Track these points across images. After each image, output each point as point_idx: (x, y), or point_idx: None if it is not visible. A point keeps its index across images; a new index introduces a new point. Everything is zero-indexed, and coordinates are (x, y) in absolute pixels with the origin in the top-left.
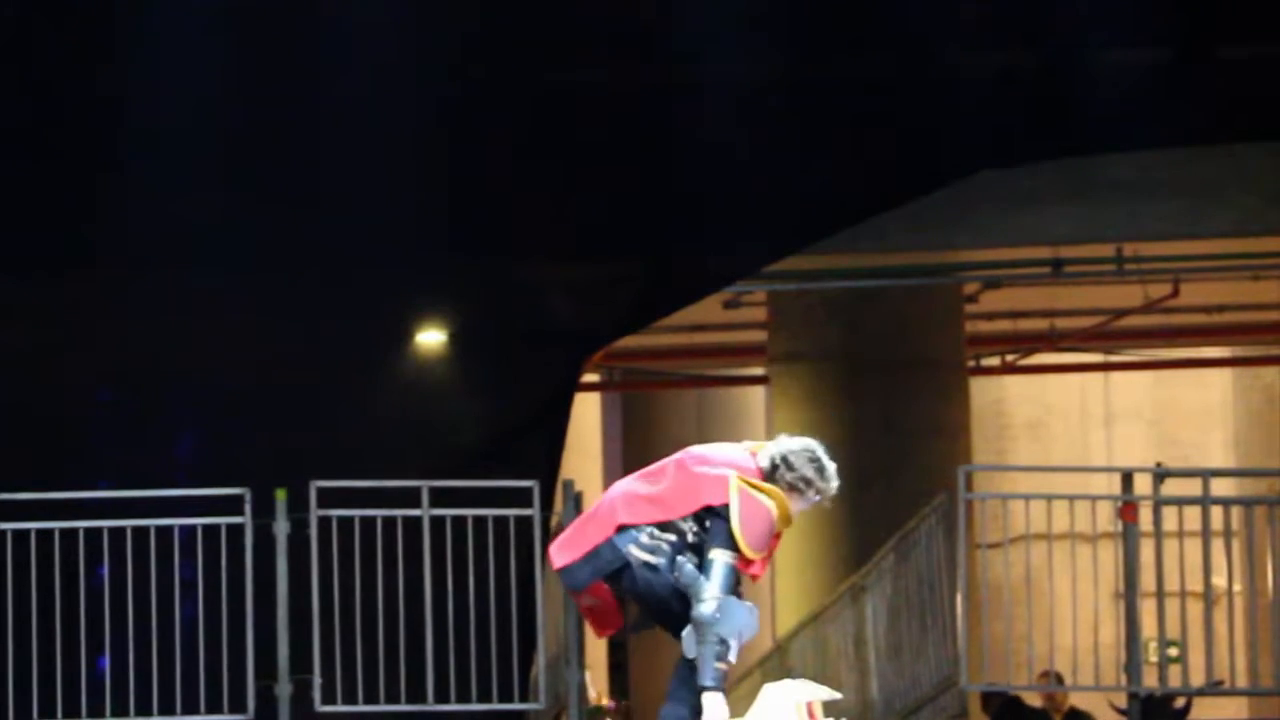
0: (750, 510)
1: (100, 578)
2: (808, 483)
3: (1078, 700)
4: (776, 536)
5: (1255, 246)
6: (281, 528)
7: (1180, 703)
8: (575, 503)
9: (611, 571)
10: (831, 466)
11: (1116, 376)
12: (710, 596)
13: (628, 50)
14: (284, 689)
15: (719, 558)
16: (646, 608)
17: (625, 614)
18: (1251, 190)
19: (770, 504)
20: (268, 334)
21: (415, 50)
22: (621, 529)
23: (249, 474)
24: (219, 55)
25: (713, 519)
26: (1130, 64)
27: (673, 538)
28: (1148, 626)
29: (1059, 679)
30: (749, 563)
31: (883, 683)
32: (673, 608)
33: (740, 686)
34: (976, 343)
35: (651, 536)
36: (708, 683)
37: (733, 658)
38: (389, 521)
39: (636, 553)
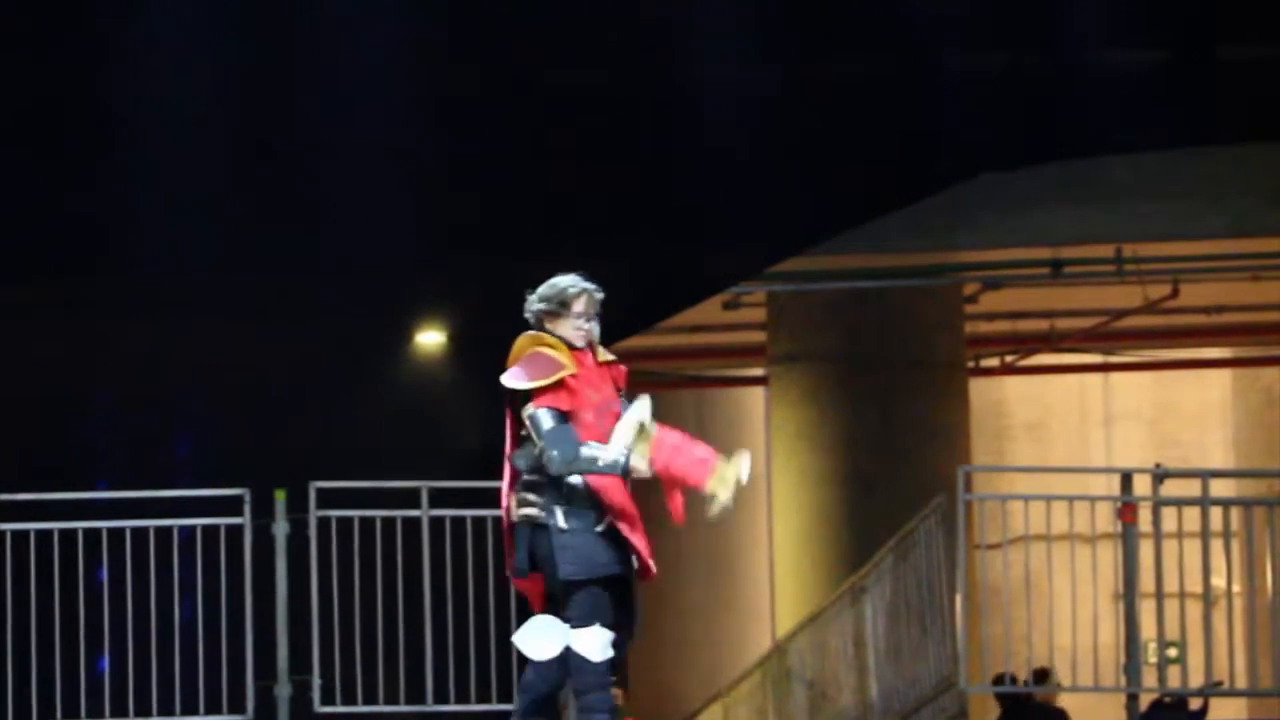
0: (521, 362)
1: (100, 578)
2: (546, 299)
3: (1076, 699)
4: (584, 367)
5: (1254, 247)
6: (281, 528)
7: (1197, 704)
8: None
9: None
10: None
11: (1116, 377)
12: (547, 446)
13: (628, 50)
14: (283, 689)
15: (529, 413)
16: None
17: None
18: (1251, 191)
19: (537, 349)
20: (267, 334)
21: (415, 50)
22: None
23: (248, 475)
24: (219, 56)
25: (520, 407)
26: (1130, 65)
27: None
28: (1147, 627)
29: (1045, 675)
30: (559, 391)
31: (882, 683)
32: (550, 566)
33: (740, 687)
34: (976, 343)
35: (523, 489)
36: (615, 458)
37: (601, 460)
38: (388, 522)
39: (524, 511)
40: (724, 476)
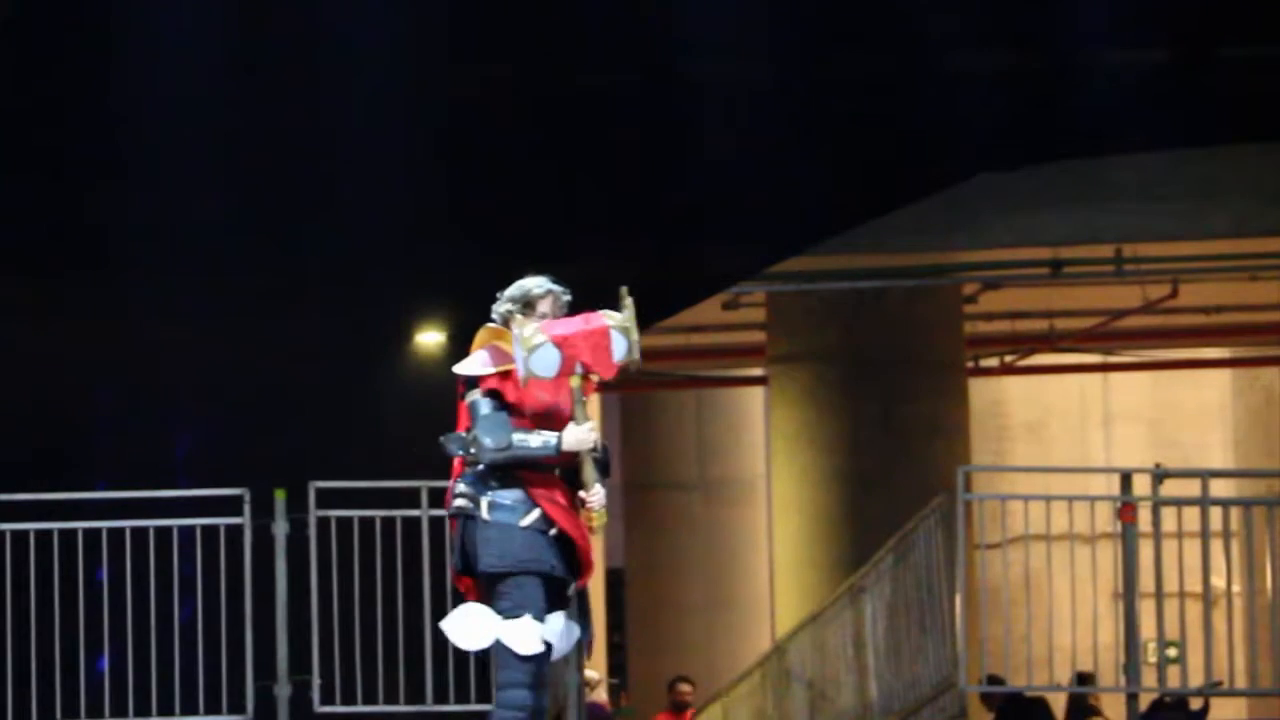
0: (477, 353)
1: (99, 578)
2: (513, 300)
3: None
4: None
5: (1254, 247)
6: (280, 528)
7: (1197, 704)
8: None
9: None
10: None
11: (1115, 377)
12: (480, 433)
13: (628, 50)
14: (283, 689)
15: (471, 398)
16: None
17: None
18: (1250, 191)
19: (495, 342)
20: (267, 334)
21: (416, 51)
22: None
23: (248, 474)
24: (220, 57)
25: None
26: (1129, 65)
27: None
28: (1147, 627)
29: (1081, 679)
30: (503, 384)
31: (882, 684)
32: (479, 556)
33: (740, 687)
34: (976, 343)
35: (461, 481)
36: (548, 439)
37: (532, 442)
38: (388, 522)
39: (456, 503)
40: (620, 316)
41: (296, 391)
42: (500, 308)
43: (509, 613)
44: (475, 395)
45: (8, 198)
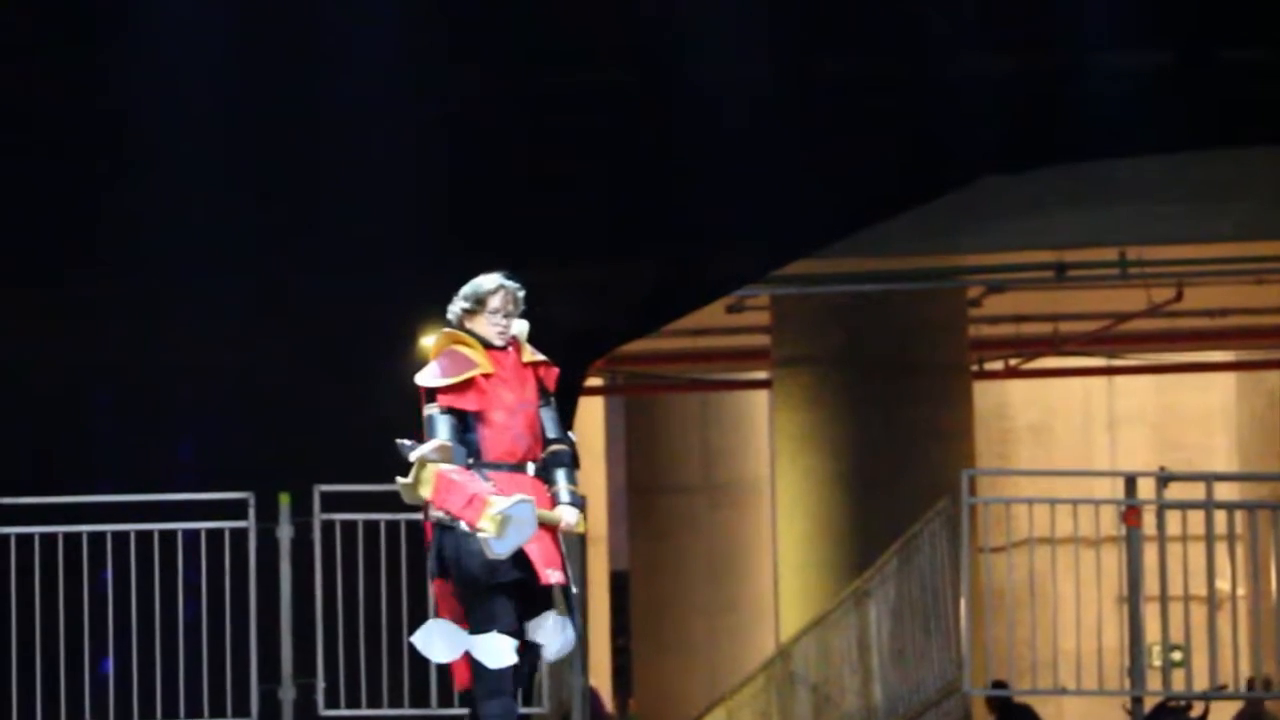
0: (435, 360)
1: (104, 581)
2: (466, 298)
3: (1079, 703)
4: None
5: (1258, 250)
6: (285, 532)
7: (1197, 710)
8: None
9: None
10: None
11: (1120, 380)
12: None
13: (631, 52)
14: (287, 693)
15: (426, 413)
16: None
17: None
18: (1255, 194)
19: (452, 347)
20: (270, 337)
21: (416, 51)
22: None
23: (252, 478)
24: (220, 56)
25: None
26: (1133, 68)
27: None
28: (1151, 631)
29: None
30: (466, 392)
31: (886, 687)
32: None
33: (744, 690)
34: (980, 347)
35: None
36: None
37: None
38: (392, 525)
39: (434, 512)
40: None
41: (301, 395)
42: (454, 307)
43: (478, 627)
44: (431, 411)
45: (9, 199)
